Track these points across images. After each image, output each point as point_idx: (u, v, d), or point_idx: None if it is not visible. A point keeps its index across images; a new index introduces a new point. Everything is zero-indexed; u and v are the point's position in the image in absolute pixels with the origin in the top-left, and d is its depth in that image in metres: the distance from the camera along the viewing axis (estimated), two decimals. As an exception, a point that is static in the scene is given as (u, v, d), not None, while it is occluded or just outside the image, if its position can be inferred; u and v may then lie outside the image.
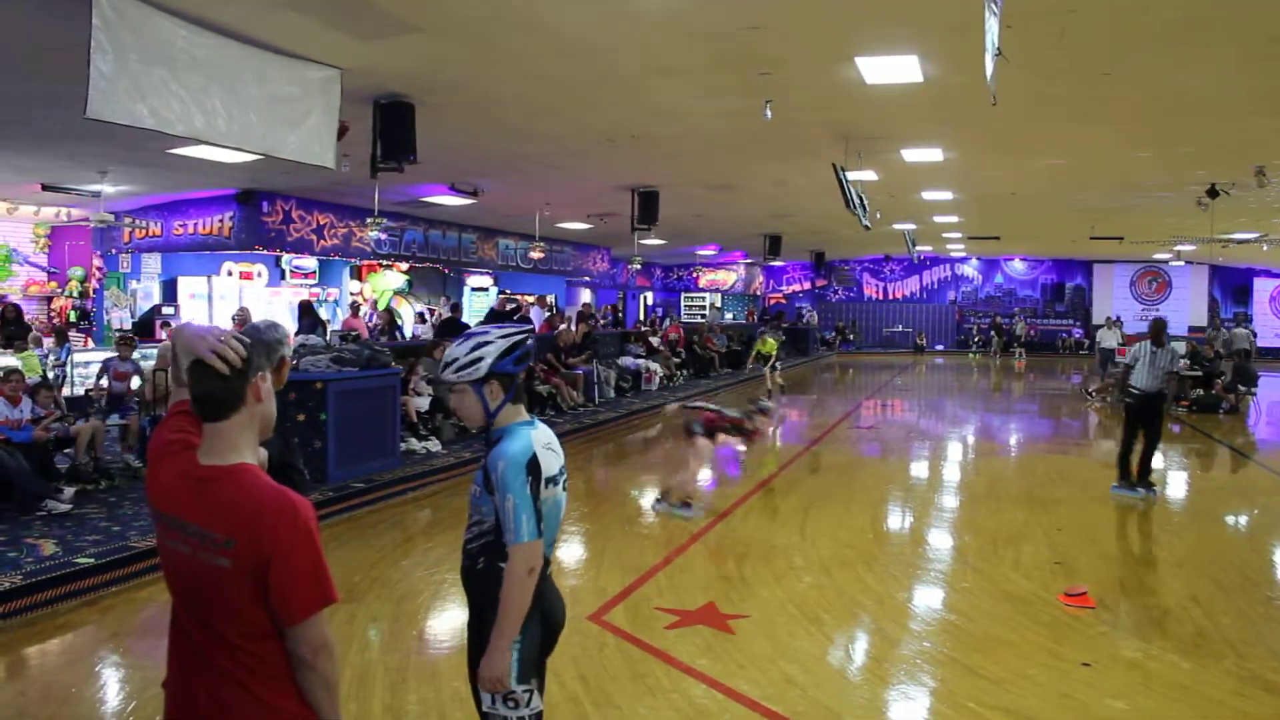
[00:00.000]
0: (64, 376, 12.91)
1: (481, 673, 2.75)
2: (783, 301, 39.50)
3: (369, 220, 13.38)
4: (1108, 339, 21.85)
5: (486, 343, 2.85)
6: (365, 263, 21.08)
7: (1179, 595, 6.69)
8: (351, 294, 21.03)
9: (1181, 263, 32.02)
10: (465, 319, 19.63)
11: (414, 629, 5.87)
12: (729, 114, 10.16)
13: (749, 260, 36.49)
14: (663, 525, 8.50)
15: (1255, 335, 27.88)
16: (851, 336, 38.28)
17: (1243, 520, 9.52)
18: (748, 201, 18.27)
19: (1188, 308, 34.19)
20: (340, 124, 8.59)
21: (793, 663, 5.23)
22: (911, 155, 12.74)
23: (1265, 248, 24.01)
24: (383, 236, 17.54)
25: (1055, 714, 4.60)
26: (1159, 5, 6.75)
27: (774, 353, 20.03)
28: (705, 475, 11.62)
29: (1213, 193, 14.62)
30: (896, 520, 9.00)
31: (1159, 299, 35.40)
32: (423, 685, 4.90)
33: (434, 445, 11.24)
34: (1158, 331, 9.80)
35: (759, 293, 39.75)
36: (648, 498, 10.20)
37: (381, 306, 21.06)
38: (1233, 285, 35.32)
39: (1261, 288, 34.68)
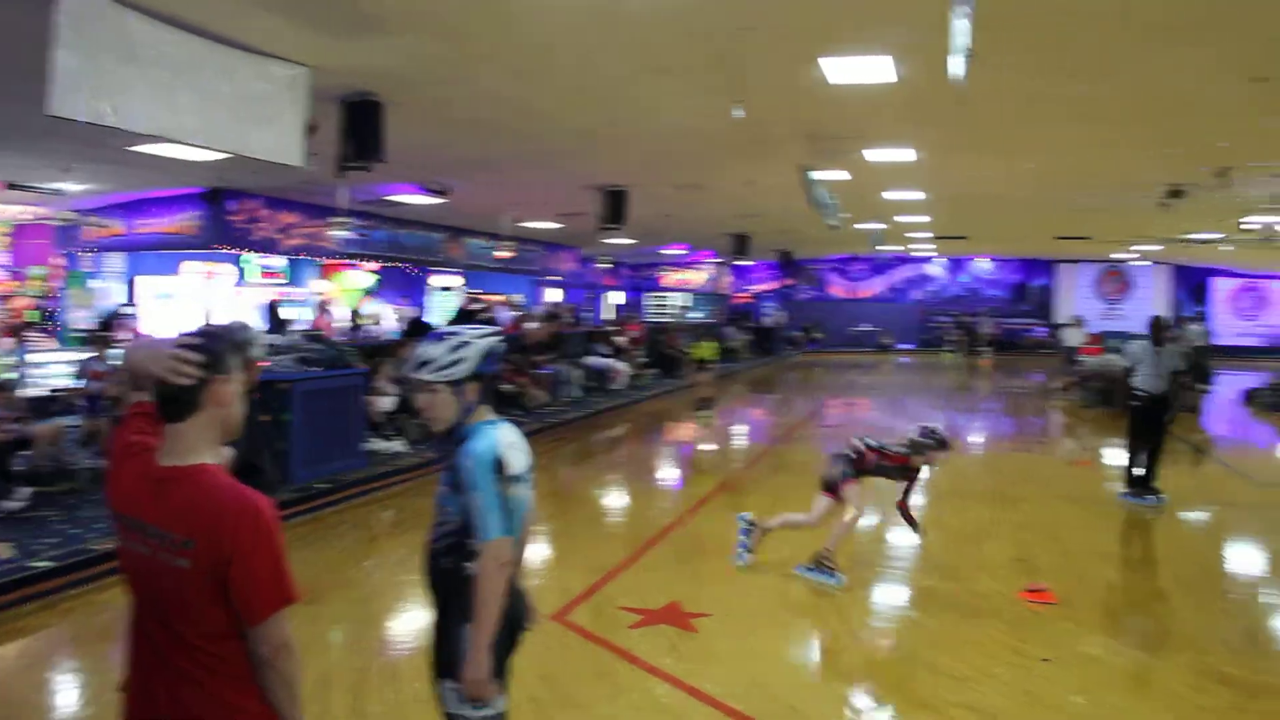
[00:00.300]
0: (22, 377, 12.68)
1: (466, 676, 2.74)
2: (749, 301, 39.62)
3: (334, 220, 13.25)
4: (1071, 337, 22.26)
5: (467, 343, 2.88)
6: (331, 262, 20.90)
7: (1140, 591, 6.80)
8: (318, 294, 20.85)
9: (1146, 263, 32.45)
10: (430, 320, 19.49)
11: (377, 630, 5.85)
12: (700, 114, 10.17)
13: (718, 260, 36.55)
14: (627, 524, 8.50)
15: (1210, 333, 28.37)
16: (818, 336, 38.43)
17: (1201, 516, 9.66)
18: (717, 201, 18.28)
19: (1150, 307, 34.62)
20: (310, 122, 8.53)
21: (755, 661, 5.26)
22: (883, 156, 12.75)
23: (1231, 248, 24.34)
24: (350, 236, 17.41)
25: (1018, 710, 4.66)
26: (1146, 6, 6.76)
27: (710, 357, 18.40)
28: (672, 475, 11.63)
29: (1176, 193, 14.82)
30: (860, 518, 9.02)
31: (1121, 298, 35.87)
32: (385, 686, 4.88)
33: (399, 445, 11.18)
34: (1158, 330, 9.68)
35: (727, 292, 39.82)
36: (611, 497, 10.21)
37: (351, 306, 20.89)
38: (1190, 285, 35.85)
39: (1218, 287, 35.23)
